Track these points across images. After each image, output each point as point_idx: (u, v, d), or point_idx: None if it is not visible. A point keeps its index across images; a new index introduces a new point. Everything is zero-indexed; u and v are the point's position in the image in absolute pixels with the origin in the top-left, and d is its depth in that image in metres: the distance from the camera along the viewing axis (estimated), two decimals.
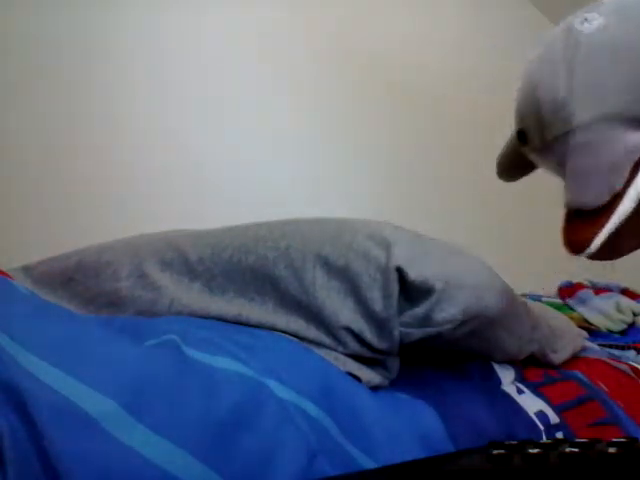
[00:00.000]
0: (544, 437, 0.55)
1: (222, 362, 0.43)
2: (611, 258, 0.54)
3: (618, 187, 0.45)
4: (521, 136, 0.55)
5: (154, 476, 0.34)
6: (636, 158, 0.45)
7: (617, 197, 0.46)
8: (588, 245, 0.46)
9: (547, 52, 0.53)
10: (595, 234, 0.46)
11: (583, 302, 1.33)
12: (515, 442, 0.36)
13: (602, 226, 0.45)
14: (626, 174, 0.45)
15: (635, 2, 0.51)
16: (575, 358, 0.73)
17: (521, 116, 0.54)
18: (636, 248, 0.54)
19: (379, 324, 0.52)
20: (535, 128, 0.52)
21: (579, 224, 0.48)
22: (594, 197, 0.46)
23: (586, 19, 0.50)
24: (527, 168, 0.61)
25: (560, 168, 0.50)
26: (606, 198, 0.45)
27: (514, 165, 0.61)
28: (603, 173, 0.46)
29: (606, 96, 0.46)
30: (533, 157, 0.55)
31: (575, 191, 0.47)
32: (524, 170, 0.62)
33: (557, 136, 0.49)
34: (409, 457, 0.41)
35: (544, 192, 0.72)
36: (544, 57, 0.53)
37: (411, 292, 0.53)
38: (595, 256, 0.49)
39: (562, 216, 0.50)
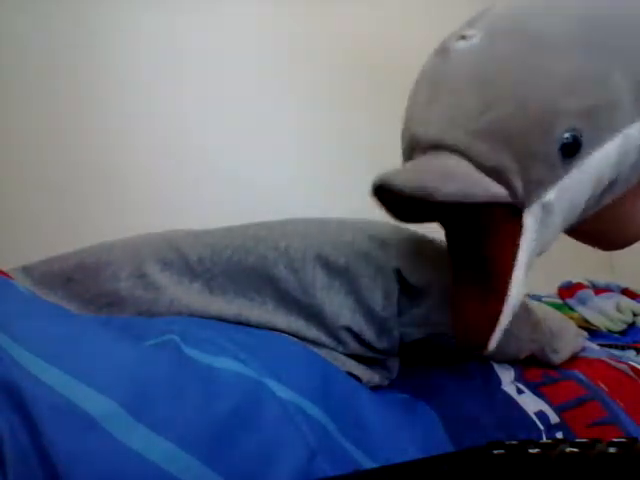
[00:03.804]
0: (544, 437, 0.55)
1: (222, 362, 0.43)
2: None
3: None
4: None
5: (154, 476, 0.34)
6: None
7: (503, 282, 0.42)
8: (487, 345, 0.43)
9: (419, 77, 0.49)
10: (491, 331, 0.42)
11: (583, 302, 1.33)
12: (515, 442, 0.36)
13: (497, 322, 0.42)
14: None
15: (509, 14, 0.45)
16: (575, 358, 0.73)
17: None
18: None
19: (379, 324, 0.53)
20: None
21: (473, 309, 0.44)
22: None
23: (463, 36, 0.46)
24: None
25: None
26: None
27: None
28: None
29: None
30: None
31: None
32: None
33: None
34: (409, 457, 0.41)
35: None
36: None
37: (411, 292, 0.53)
38: None
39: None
